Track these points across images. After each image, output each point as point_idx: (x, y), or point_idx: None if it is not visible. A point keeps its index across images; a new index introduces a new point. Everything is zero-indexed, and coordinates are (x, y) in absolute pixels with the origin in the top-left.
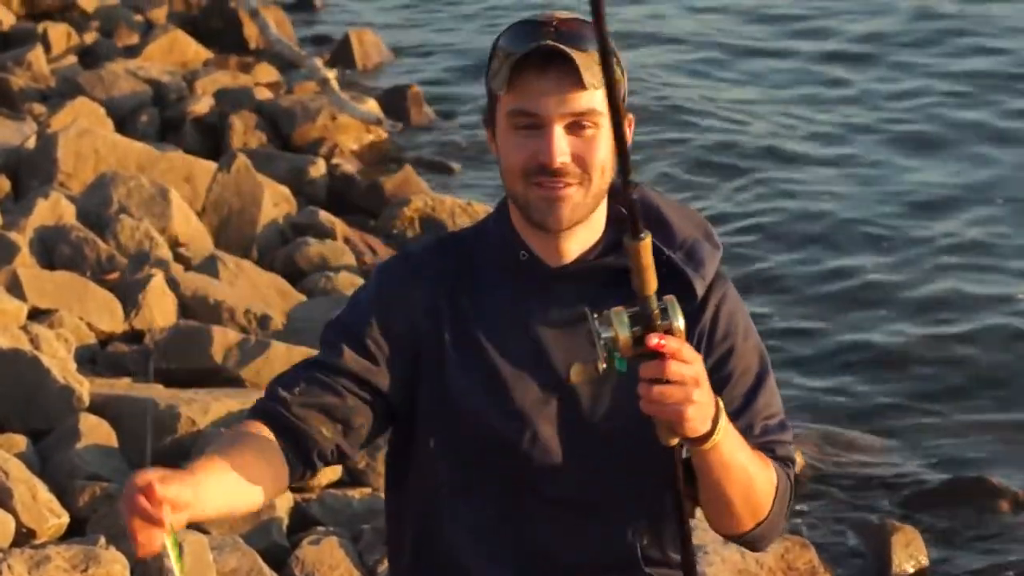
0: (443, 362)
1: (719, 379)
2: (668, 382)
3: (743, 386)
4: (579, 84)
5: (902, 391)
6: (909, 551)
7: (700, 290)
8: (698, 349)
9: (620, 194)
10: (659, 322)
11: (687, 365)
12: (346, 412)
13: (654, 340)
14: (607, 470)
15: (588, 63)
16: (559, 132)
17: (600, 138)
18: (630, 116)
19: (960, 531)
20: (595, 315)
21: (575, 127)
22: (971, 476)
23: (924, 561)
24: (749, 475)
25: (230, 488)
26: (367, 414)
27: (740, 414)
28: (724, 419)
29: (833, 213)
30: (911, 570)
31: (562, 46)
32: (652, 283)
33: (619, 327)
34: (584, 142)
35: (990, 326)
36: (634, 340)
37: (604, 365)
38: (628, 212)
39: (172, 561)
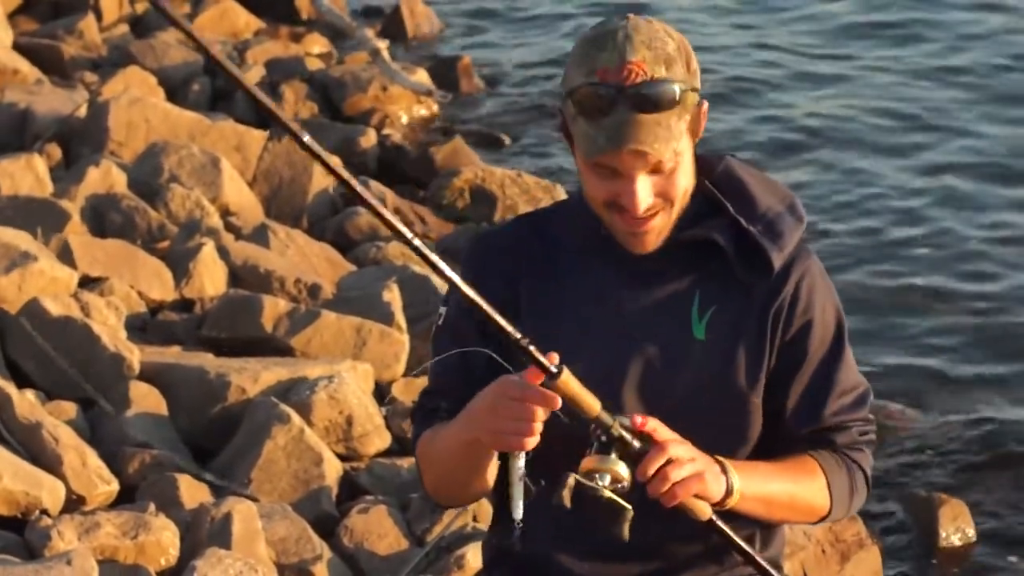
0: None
1: (795, 354)
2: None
3: (817, 363)
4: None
5: (951, 364)
6: (957, 524)
7: (777, 264)
8: (775, 322)
9: (706, 168)
10: (628, 439)
11: (677, 445)
12: None
13: (638, 420)
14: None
15: (667, 121)
16: (642, 182)
17: (682, 166)
18: (704, 105)
19: (1008, 505)
20: (580, 481)
21: (655, 170)
22: (1019, 450)
23: (972, 534)
24: (788, 501)
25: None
26: None
27: (814, 391)
28: (735, 476)
29: (885, 195)
30: (958, 543)
31: (640, 122)
32: (595, 406)
33: (618, 468)
34: (666, 179)
35: None
36: (629, 463)
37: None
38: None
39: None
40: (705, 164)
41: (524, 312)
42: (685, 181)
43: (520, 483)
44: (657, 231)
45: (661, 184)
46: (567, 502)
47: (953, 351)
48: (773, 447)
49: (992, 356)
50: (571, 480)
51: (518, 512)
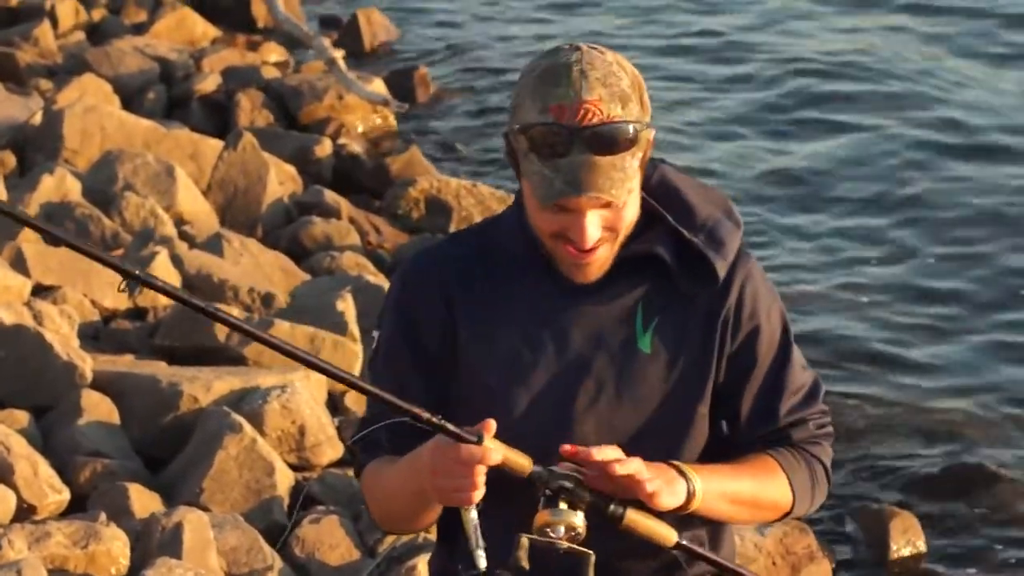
0: (463, 351)
1: (745, 361)
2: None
3: (767, 367)
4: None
5: (901, 378)
6: (907, 536)
7: (722, 272)
8: (723, 331)
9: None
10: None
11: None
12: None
13: (567, 448)
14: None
15: (622, 163)
16: (592, 217)
17: (630, 203)
18: (650, 137)
19: (958, 517)
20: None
21: (607, 205)
22: (970, 462)
23: (922, 547)
24: (750, 500)
25: None
26: None
27: (766, 394)
28: (695, 479)
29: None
30: (908, 555)
31: (596, 165)
32: (526, 465)
33: (570, 518)
34: (614, 214)
35: (989, 317)
36: (586, 512)
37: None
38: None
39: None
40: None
41: (462, 338)
42: (632, 213)
43: (475, 533)
44: (600, 262)
45: (610, 219)
46: (524, 563)
47: (906, 364)
48: (729, 451)
49: (946, 369)
50: (524, 541)
51: (481, 562)
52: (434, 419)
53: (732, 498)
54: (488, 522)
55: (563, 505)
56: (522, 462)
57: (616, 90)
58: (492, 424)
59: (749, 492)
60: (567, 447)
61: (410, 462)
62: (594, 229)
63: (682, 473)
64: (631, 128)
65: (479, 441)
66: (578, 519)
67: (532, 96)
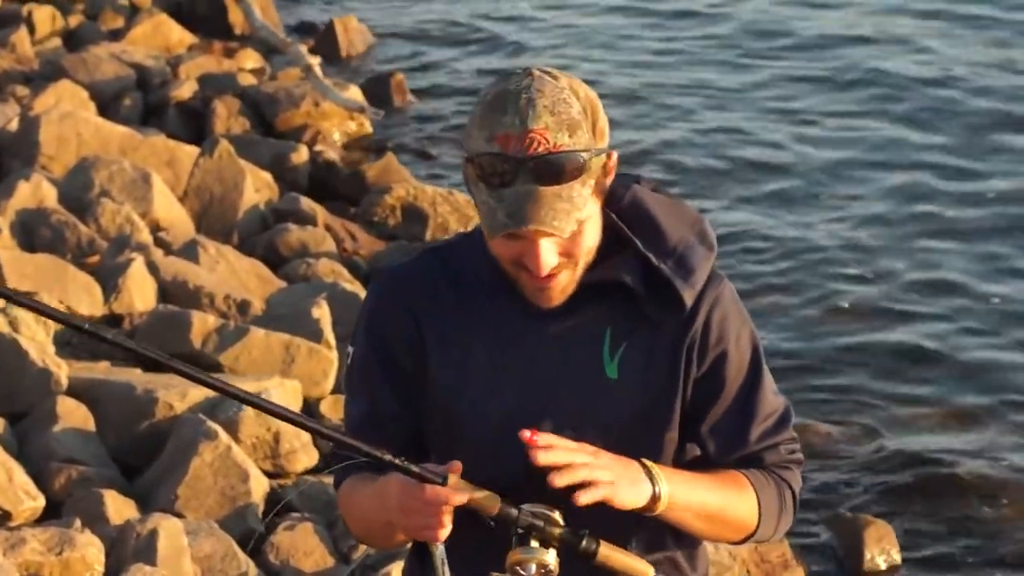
0: (433, 372)
1: (712, 386)
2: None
3: (736, 391)
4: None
5: (876, 386)
6: (882, 545)
7: (689, 301)
8: (689, 356)
9: (611, 199)
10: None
11: (575, 452)
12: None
13: (526, 435)
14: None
15: (569, 193)
16: (546, 244)
17: (586, 230)
18: (612, 157)
19: (932, 526)
20: None
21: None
22: (944, 471)
23: (896, 555)
24: (717, 512)
25: None
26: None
27: (736, 419)
28: (662, 482)
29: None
30: (883, 564)
31: (541, 196)
32: (493, 505)
33: (542, 556)
34: (570, 241)
35: (962, 322)
36: (558, 549)
37: None
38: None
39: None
40: (610, 195)
41: (431, 357)
42: (591, 240)
43: (442, 566)
44: (562, 287)
45: (566, 245)
46: None
47: (878, 374)
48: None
49: (918, 379)
50: None
51: None
52: (397, 461)
53: (699, 508)
54: (458, 555)
55: (534, 543)
56: (489, 503)
57: (564, 118)
58: (458, 465)
59: (717, 506)
60: (526, 433)
61: (379, 495)
62: (549, 256)
63: (650, 475)
64: (579, 157)
65: (444, 482)
66: (550, 556)
67: (480, 125)
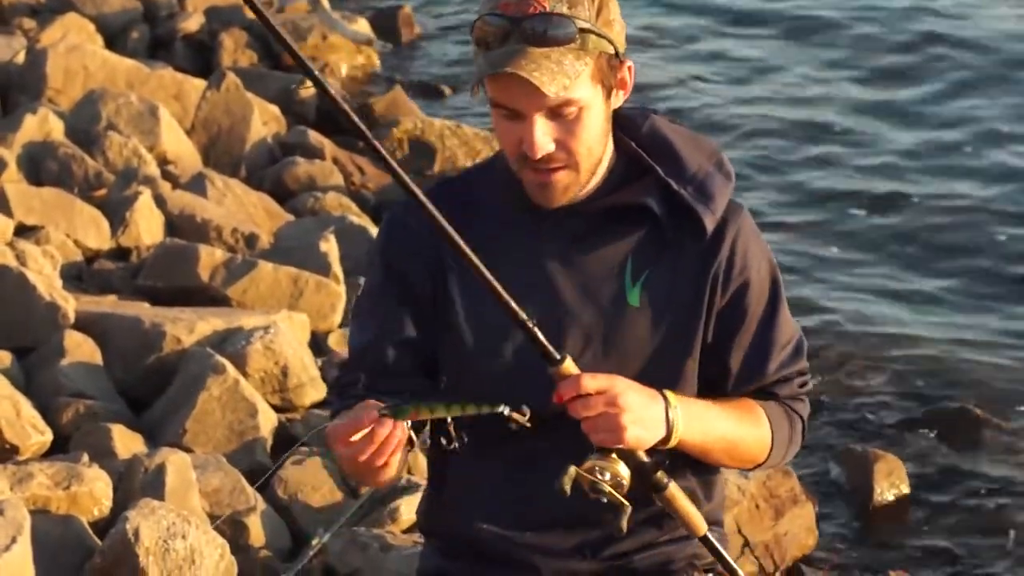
0: (451, 302)
1: (734, 316)
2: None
3: (757, 320)
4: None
5: (888, 321)
6: (891, 480)
7: (710, 226)
8: (714, 286)
9: (630, 127)
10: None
11: (596, 383)
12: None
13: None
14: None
15: (559, 57)
16: (539, 123)
17: (584, 120)
18: (626, 64)
19: (942, 461)
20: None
21: (555, 114)
22: (953, 406)
23: (905, 490)
24: (733, 443)
25: None
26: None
27: (756, 351)
28: (679, 416)
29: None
30: (892, 499)
31: (529, 54)
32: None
33: (618, 467)
34: (565, 127)
35: (973, 262)
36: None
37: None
38: None
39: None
40: (628, 123)
41: (451, 282)
42: (590, 137)
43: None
44: (563, 187)
45: (561, 132)
46: (567, 490)
47: (890, 309)
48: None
49: (928, 314)
50: (572, 470)
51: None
52: (529, 323)
53: (714, 441)
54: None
55: (615, 455)
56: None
57: None
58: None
59: (732, 437)
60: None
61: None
62: (541, 134)
63: (667, 412)
64: (573, 24)
65: (561, 360)
66: (624, 470)
67: (477, 39)
